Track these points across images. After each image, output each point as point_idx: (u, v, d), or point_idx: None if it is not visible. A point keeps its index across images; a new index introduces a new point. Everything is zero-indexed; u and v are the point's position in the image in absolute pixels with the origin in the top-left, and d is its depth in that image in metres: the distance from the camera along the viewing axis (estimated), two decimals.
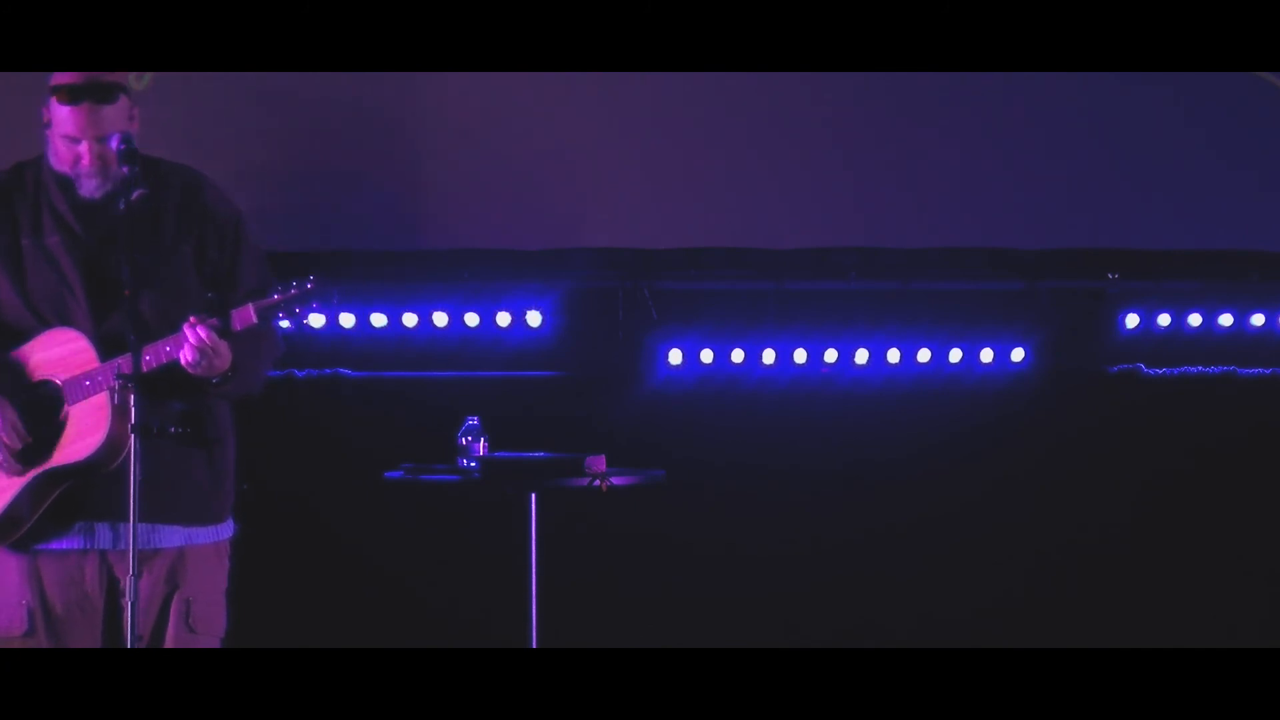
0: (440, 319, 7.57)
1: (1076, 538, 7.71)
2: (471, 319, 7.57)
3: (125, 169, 5.23)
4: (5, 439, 5.28)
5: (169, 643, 5.38)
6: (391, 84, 7.33)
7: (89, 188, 5.34)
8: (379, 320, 7.56)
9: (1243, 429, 7.73)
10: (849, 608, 7.65)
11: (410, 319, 7.57)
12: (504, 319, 7.57)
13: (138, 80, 5.45)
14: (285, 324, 5.23)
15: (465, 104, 7.47)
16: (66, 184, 5.37)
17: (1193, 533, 7.72)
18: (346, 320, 7.52)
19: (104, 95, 5.31)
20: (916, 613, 7.65)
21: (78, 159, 5.33)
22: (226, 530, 5.52)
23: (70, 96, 5.29)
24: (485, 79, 7.30)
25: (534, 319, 7.57)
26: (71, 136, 5.31)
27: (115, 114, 5.32)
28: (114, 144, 5.27)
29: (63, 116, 5.31)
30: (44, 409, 5.31)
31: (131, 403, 5.08)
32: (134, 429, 5.07)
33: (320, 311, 5.24)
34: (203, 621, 5.42)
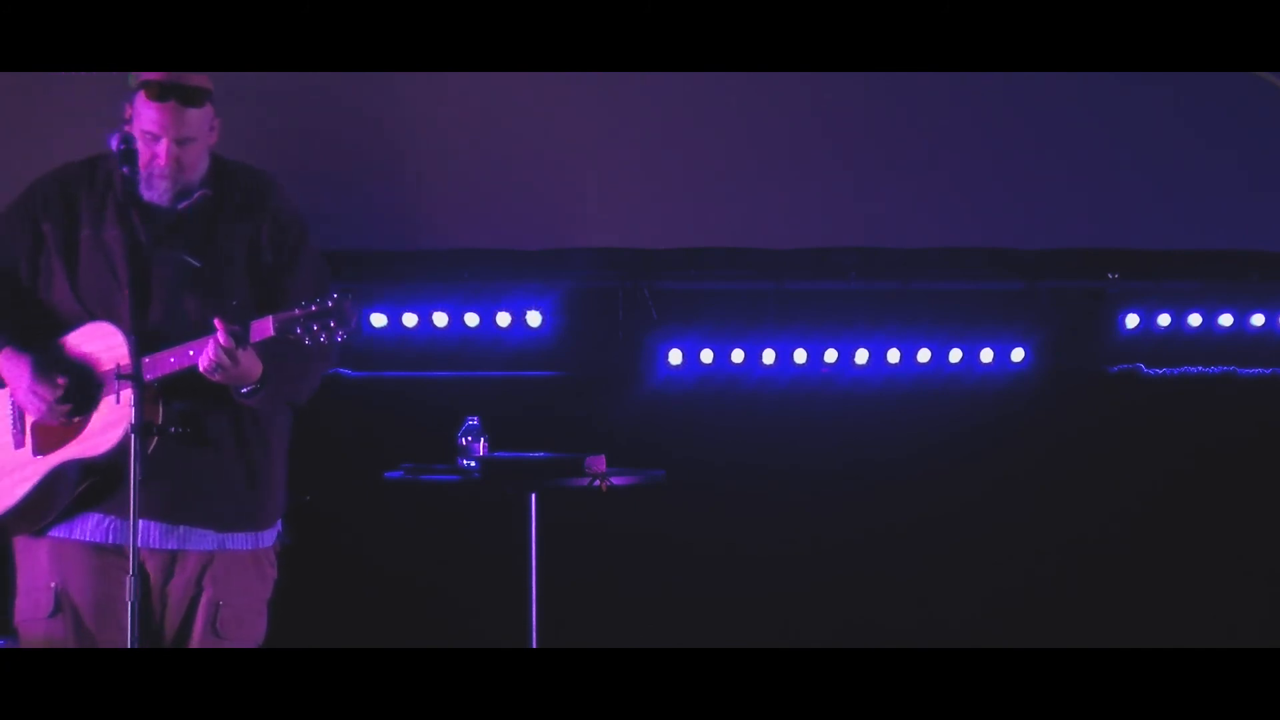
0: (440, 319, 7.56)
1: (1076, 538, 7.70)
2: (471, 319, 7.57)
3: (125, 169, 5.23)
4: (47, 398, 5.27)
5: (194, 644, 5.37)
6: (391, 84, 7.33)
7: (158, 189, 5.31)
8: (379, 320, 7.55)
9: (1243, 429, 7.72)
10: (849, 608, 7.65)
11: (410, 319, 7.57)
12: (504, 319, 7.56)
13: (135, 80, 5.42)
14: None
15: (465, 104, 7.47)
16: (135, 182, 5.34)
17: (1193, 533, 7.72)
18: None
19: (190, 97, 5.31)
20: (916, 613, 7.65)
21: (154, 157, 5.30)
22: (268, 538, 5.50)
23: (158, 93, 5.28)
24: (485, 79, 7.30)
25: (534, 319, 7.57)
26: (152, 134, 5.29)
27: (199, 118, 5.32)
28: (113, 144, 5.26)
29: (146, 113, 5.29)
30: (82, 394, 5.31)
31: (130, 402, 5.08)
32: (133, 429, 5.06)
33: (351, 328, 5.14)
34: (231, 626, 5.40)
